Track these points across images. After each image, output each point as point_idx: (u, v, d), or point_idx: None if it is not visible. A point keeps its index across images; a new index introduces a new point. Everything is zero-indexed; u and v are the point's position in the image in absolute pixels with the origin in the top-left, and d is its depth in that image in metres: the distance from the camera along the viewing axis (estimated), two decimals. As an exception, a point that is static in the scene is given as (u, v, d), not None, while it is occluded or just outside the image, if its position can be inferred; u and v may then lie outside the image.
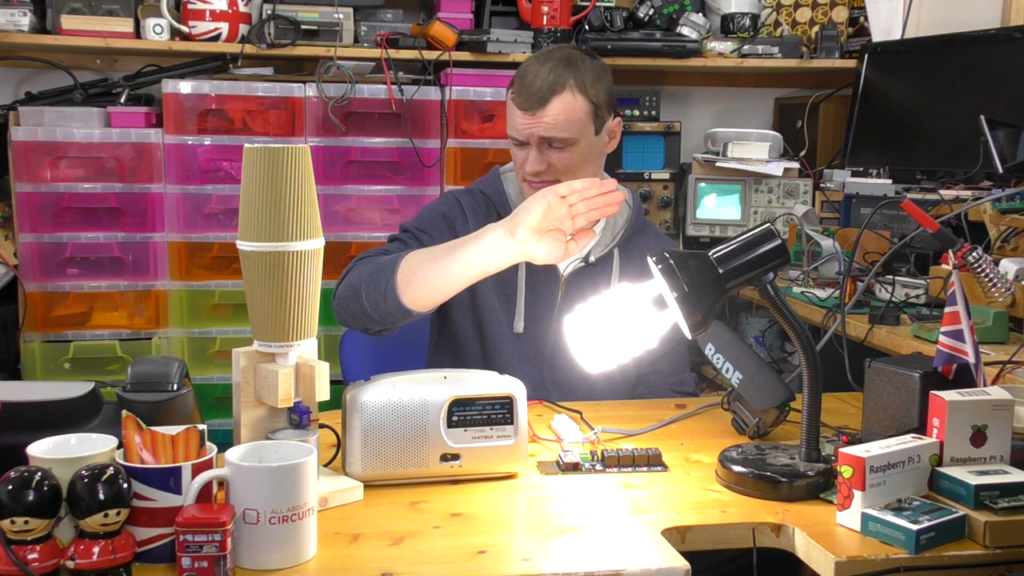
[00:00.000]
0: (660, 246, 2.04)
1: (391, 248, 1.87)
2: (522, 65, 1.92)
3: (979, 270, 1.68)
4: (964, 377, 1.38)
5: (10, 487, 1.03)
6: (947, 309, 1.38)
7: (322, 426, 1.39)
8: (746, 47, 3.20)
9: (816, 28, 3.33)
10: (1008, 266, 1.88)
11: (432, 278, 1.59)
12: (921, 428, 1.35)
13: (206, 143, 2.87)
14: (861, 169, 2.97)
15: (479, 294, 1.94)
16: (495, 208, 1.98)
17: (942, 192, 2.44)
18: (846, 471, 1.25)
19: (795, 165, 3.07)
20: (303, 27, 2.86)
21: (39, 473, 1.05)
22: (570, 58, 1.88)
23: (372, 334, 1.80)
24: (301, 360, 1.33)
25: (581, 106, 1.85)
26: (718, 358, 1.62)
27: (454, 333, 1.98)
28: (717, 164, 3.06)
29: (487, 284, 1.91)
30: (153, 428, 1.14)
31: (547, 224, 1.49)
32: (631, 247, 2.01)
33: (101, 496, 1.05)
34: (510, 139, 1.92)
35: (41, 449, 1.12)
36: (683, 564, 1.16)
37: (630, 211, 2.01)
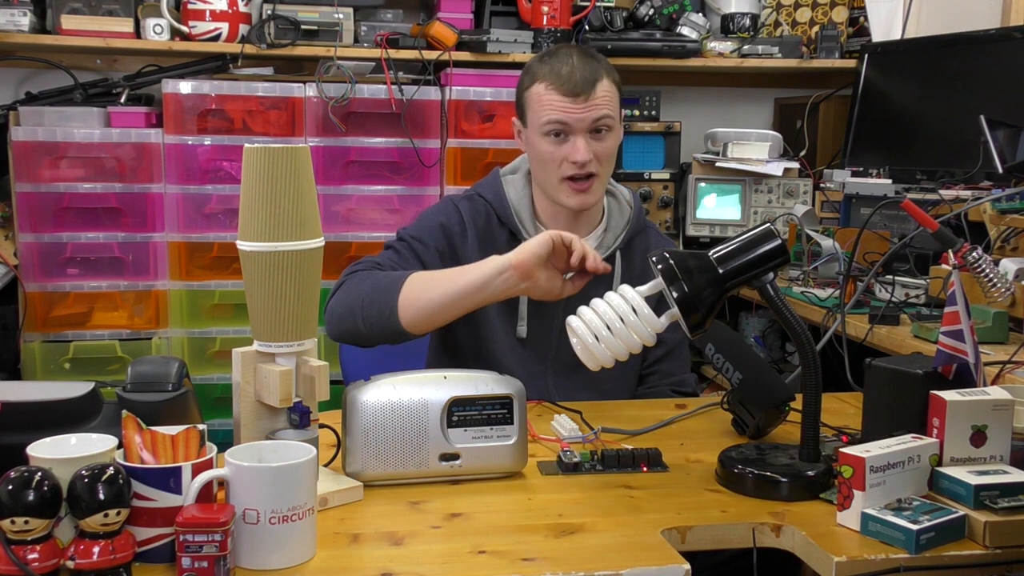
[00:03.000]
0: (661, 247, 2.03)
1: (384, 260, 1.87)
2: (538, 65, 1.87)
3: (979, 270, 1.68)
4: (964, 377, 1.38)
5: (10, 487, 1.03)
6: (947, 309, 1.38)
7: (322, 426, 1.39)
8: (746, 47, 3.20)
9: (816, 28, 3.33)
10: (1008, 266, 1.88)
11: (433, 306, 1.66)
12: (921, 428, 1.35)
13: (206, 143, 2.87)
14: (861, 169, 2.97)
15: None
16: (495, 213, 1.96)
17: (942, 192, 2.44)
18: (846, 471, 1.25)
19: (795, 165, 3.08)
20: (303, 27, 2.87)
21: (39, 473, 1.05)
22: (586, 51, 1.88)
23: (362, 347, 1.81)
24: (301, 360, 1.33)
25: (615, 92, 1.87)
26: (718, 358, 1.61)
27: (455, 339, 1.96)
28: (717, 164, 3.06)
29: None
30: (153, 428, 1.14)
31: (548, 260, 1.60)
32: (632, 248, 2.00)
33: (101, 496, 1.05)
34: (543, 135, 1.85)
35: (41, 449, 1.12)
36: (683, 564, 1.16)
37: (631, 212, 2.01)
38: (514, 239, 1.94)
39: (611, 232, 1.98)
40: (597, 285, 1.93)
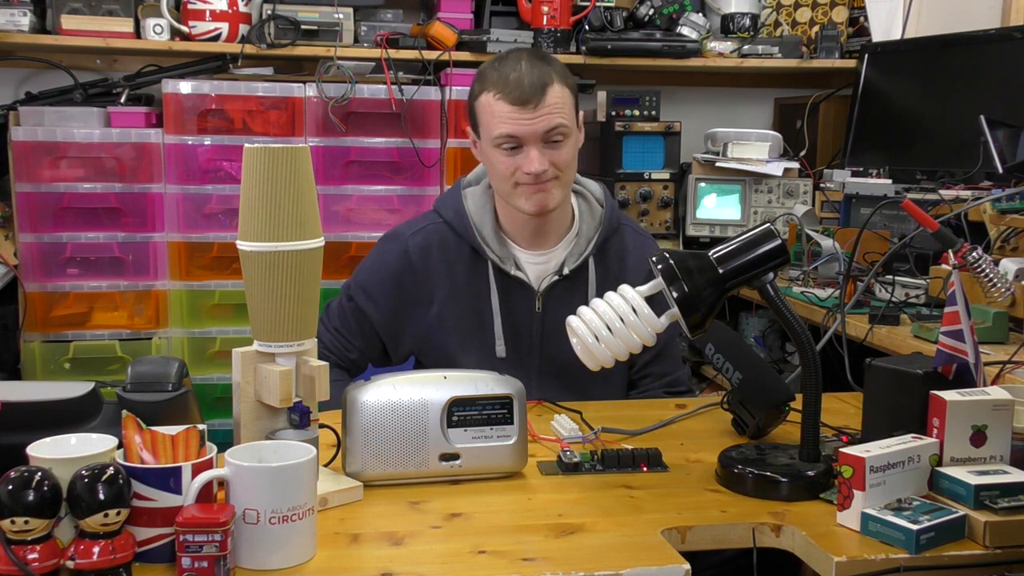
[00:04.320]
0: (638, 245, 1.98)
1: (331, 336, 1.93)
2: (487, 71, 1.82)
3: (979, 270, 1.68)
4: (964, 377, 1.38)
5: (10, 487, 1.03)
6: (947, 309, 1.38)
7: (322, 426, 1.39)
8: (746, 47, 3.20)
9: (816, 28, 3.33)
10: (1008, 266, 1.88)
11: None
12: (921, 428, 1.35)
13: (206, 143, 2.87)
14: (861, 169, 2.97)
15: (455, 327, 1.90)
16: (453, 231, 1.90)
17: (942, 192, 2.44)
18: (846, 471, 1.25)
19: (795, 165, 3.07)
20: (303, 27, 2.86)
21: (39, 473, 1.05)
22: (536, 54, 1.84)
23: None
24: (301, 360, 1.33)
25: (568, 96, 1.81)
26: (718, 358, 1.61)
27: (437, 365, 1.92)
28: (717, 164, 3.06)
29: (460, 313, 1.88)
30: (153, 428, 1.14)
31: None
32: (607, 251, 1.94)
33: (101, 496, 1.05)
34: (495, 147, 1.81)
35: (41, 449, 1.12)
36: (683, 564, 1.16)
37: (603, 212, 1.94)
38: (476, 256, 1.90)
39: (583, 236, 1.92)
40: (574, 293, 1.89)
